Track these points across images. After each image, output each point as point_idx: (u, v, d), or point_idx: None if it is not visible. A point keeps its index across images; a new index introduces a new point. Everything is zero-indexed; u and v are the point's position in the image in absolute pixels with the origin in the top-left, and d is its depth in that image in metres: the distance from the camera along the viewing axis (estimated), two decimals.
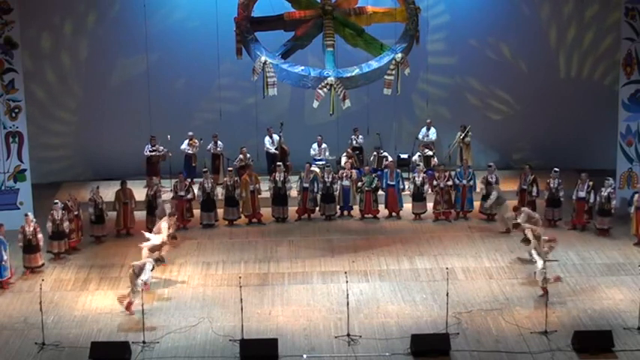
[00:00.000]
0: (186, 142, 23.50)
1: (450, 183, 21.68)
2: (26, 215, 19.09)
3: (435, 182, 21.80)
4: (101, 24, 23.69)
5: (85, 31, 23.72)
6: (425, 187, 21.77)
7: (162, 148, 23.20)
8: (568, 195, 21.17)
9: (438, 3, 23.93)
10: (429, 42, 23.27)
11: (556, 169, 21.33)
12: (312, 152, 23.43)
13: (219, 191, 21.87)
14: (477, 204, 21.90)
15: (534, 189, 21.34)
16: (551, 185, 21.11)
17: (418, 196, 21.78)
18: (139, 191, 21.66)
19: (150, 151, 23.29)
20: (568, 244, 20.12)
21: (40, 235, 18.93)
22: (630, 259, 19.30)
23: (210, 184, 21.51)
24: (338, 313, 16.83)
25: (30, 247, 18.81)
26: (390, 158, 23.13)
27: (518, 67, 24.70)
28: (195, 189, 21.61)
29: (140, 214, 21.27)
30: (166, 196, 22.01)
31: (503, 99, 25.05)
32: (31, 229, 18.82)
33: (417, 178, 21.76)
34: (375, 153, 23.31)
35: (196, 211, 21.64)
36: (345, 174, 21.92)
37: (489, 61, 24.61)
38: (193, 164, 23.53)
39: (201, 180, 21.78)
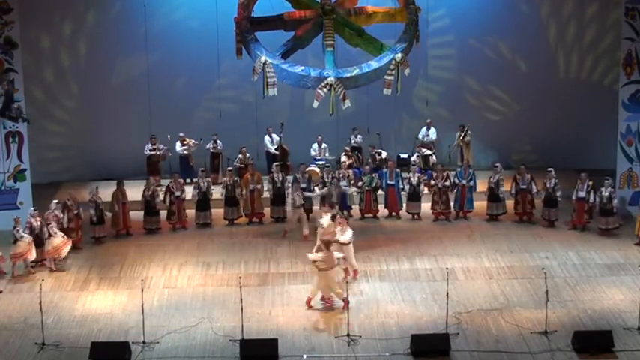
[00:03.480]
0: (178, 143, 23.49)
1: (447, 184, 21.68)
2: (34, 210, 19.32)
3: (432, 182, 21.81)
4: (101, 24, 23.72)
5: (85, 30, 23.75)
6: (421, 186, 21.77)
7: (162, 147, 23.22)
8: (567, 195, 21.18)
9: (438, 3, 23.95)
10: (429, 42, 23.28)
11: (550, 169, 21.32)
12: (313, 152, 23.45)
13: (219, 191, 21.89)
14: (477, 204, 21.91)
15: (533, 187, 21.35)
16: (548, 185, 21.11)
17: (414, 196, 21.79)
18: (139, 191, 21.62)
19: (150, 151, 23.31)
20: (568, 244, 20.13)
21: (45, 229, 19.13)
22: (630, 259, 19.30)
23: (205, 183, 21.50)
24: (338, 313, 16.83)
25: (37, 242, 18.99)
26: (384, 154, 23.12)
27: (518, 67, 24.73)
28: (191, 188, 21.61)
29: (133, 214, 21.27)
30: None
31: (503, 99, 25.08)
32: (38, 223, 19.03)
33: (412, 178, 21.77)
34: (369, 150, 23.34)
35: (190, 211, 21.62)
36: (341, 174, 21.92)
37: (489, 61, 24.64)
38: (191, 163, 23.53)
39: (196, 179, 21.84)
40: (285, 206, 21.49)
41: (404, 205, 22.08)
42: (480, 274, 18.68)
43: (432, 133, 23.99)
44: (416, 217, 21.97)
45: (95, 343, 15.61)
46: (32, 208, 19.60)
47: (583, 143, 24.45)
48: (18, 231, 18.79)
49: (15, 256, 18.74)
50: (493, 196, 21.56)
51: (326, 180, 21.69)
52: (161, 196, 21.40)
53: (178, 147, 23.50)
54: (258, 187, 21.63)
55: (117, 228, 20.93)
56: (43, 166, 23.65)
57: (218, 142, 23.62)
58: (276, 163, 22.25)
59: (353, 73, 19.65)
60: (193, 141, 23.52)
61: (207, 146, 23.61)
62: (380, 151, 23.27)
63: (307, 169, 22.11)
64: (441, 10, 24.15)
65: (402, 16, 20.47)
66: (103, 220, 20.62)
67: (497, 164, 21.95)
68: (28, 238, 18.86)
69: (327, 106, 19.66)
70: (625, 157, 21.81)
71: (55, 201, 20.12)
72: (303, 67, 19.78)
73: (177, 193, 21.25)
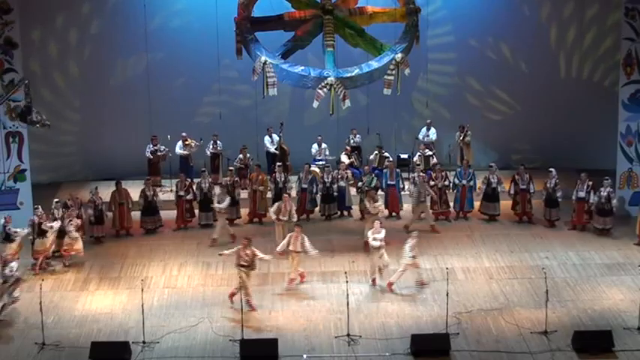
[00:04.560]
0: (180, 143, 23.47)
1: (446, 183, 21.70)
2: (36, 208, 19.41)
3: (432, 182, 21.79)
4: (101, 24, 23.70)
5: (85, 31, 23.72)
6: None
7: (163, 147, 23.23)
8: (567, 195, 21.16)
9: (438, 3, 23.94)
10: (429, 42, 23.26)
11: (551, 169, 21.34)
12: (313, 151, 23.43)
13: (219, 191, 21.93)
14: (477, 204, 21.91)
15: (531, 187, 21.37)
16: (548, 185, 21.12)
17: None
18: (138, 191, 21.61)
19: (151, 151, 23.31)
20: (568, 244, 20.14)
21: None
22: (630, 259, 19.30)
23: (207, 184, 21.51)
24: (338, 313, 16.84)
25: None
26: (390, 159, 23.13)
27: (518, 67, 24.70)
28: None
29: (135, 214, 21.33)
30: (166, 196, 22.04)
31: (504, 99, 25.06)
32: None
33: (416, 178, 21.77)
34: (376, 152, 23.29)
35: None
36: (340, 175, 21.91)
37: (489, 61, 24.62)
38: (191, 164, 23.51)
39: (199, 180, 21.83)
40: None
41: (404, 205, 22.08)
42: (480, 274, 18.67)
43: (432, 134, 23.99)
44: (418, 216, 21.97)
45: (95, 343, 15.63)
46: (36, 206, 19.73)
47: (583, 143, 24.43)
48: (46, 224, 19.02)
49: (40, 252, 18.96)
50: (494, 196, 21.56)
51: (326, 180, 21.70)
52: (161, 196, 21.43)
53: (179, 147, 23.45)
54: (261, 188, 21.59)
55: (115, 228, 20.95)
56: (43, 166, 23.64)
57: (218, 142, 23.61)
58: (279, 164, 22.25)
59: (353, 73, 19.66)
60: (195, 142, 23.51)
61: (208, 147, 23.54)
62: (387, 155, 23.26)
63: (310, 169, 22.10)
64: (441, 10, 24.12)
65: (402, 16, 20.47)
66: (102, 220, 20.62)
67: (492, 164, 21.99)
68: (57, 224, 19.11)
69: (327, 106, 19.67)
70: (625, 157, 21.81)
71: (56, 200, 20.14)
72: (303, 67, 19.79)
73: (181, 193, 21.26)
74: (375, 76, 19.86)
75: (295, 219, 19.99)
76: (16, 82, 20.55)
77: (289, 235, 18.27)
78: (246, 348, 15.49)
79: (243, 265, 17.13)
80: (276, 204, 20.13)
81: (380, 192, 21.95)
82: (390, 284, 17.95)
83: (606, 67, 24.38)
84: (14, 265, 17.27)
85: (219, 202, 20.60)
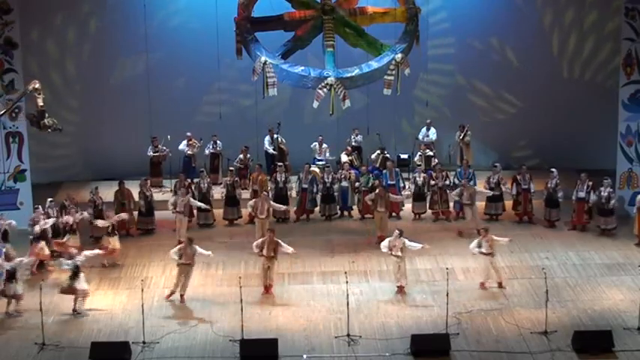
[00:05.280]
0: (185, 142, 23.48)
1: (447, 182, 21.71)
2: (37, 208, 19.39)
3: (432, 182, 21.80)
4: (101, 24, 23.71)
5: (85, 31, 23.73)
6: (426, 186, 21.77)
7: (164, 148, 23.23)
8: (568, 196, 21.16)
9: (438, 3, 23.94)
10: (429, 42, 23.27)
11: (552, 169, 21.34)
12: (314, 147, 23.41)
13: (219, 191, 21.93)
14: (477, 204, 21.87)
15: (531, 186, 21.39)
16: (549, 186, 21.12)
17: (419, 196, 21.80)
18: (136, 192, 21.61)
19: (153, 152, 23.30)
20: (568, 244, 20.14)
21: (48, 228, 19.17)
22: (630, 259, 19.30)
23: (206, 184, 21.51)
24: (338, 313, 16.83)
25: (43, 238, 19.01)
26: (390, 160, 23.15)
27: (518, 67, 24.69)
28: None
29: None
30: (166, 196, 22.03)
31: (504, 99, 25.06)
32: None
33: (417, 178, 21.77)
34: (378, 152, 23.28)
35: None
36: (342, 175, 21.91)
37: (490, 61, 24.62)
38: (193, 164, 23.51)
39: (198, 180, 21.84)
40: (288, 206, 21.61)
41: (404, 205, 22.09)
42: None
43: (432, 134, 23.98)
44: (417, 217, 21.98)
45: (95, 343, 15.62)
46: (36, 206, 19.69)
47: (583, 143, 24.42)
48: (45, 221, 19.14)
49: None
50: (495, 195, 21.54)
51: (326, 180, 21.70)
52: (160, 196, 21.46)
53: (182, 146, 23.42)
54: (264, 193, 21.55)
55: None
56: (43, 166, 23.63)
57: (218, 142, 23.61)
58: (279, 164, 22.24)
59: (353, 74, 19.67)
60: (197, 142, 23.52)
61: (207, 148, 23.53)
62: (388, 156, 23.26)
63: (310, 169, 22.11)
64: (441, 10, 24.13)
65: (402, 16, 20.48)
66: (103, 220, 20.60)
67: (497, 164, 21.99)
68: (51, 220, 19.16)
69: (327, 106, 19.67)
70: (625, 157, 21.80)
71: (50, 199, 20.11)
72: (303, 68, 19.81)
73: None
74: (375, 76, 19.87)
75: (283, 208, 20.46)
76: (15, 83, 20.58)
77: (262, 239, 18.17)
78: (246, 348, 15.49)
79: (184, 264, 17.38)
80: (253, 200, 20.12)
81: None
82: (401, 286, 17.82)
83: (606, 67, 24.34)
84: (81, 258, 17.36)
85: (174, 205, 20.39)
